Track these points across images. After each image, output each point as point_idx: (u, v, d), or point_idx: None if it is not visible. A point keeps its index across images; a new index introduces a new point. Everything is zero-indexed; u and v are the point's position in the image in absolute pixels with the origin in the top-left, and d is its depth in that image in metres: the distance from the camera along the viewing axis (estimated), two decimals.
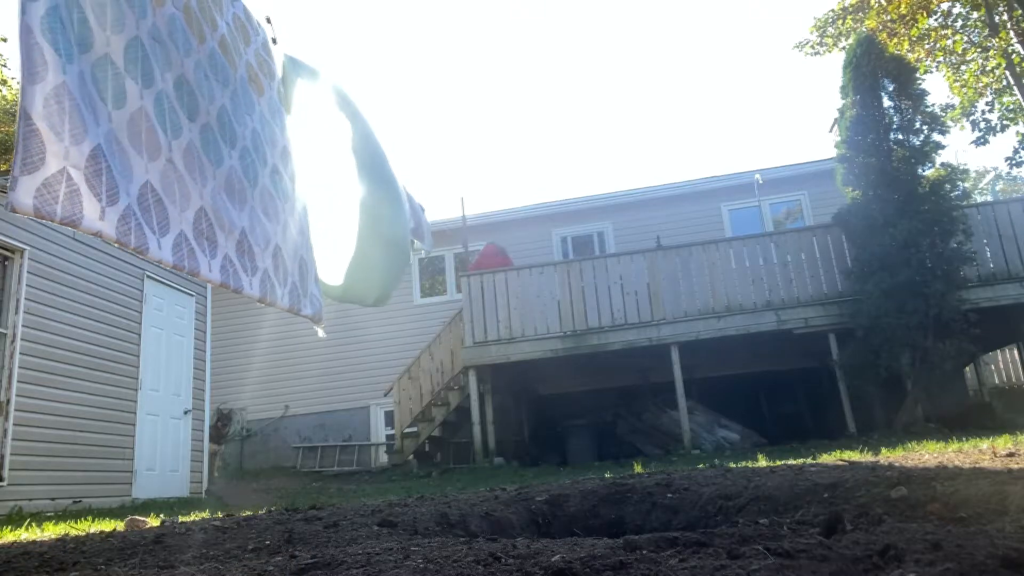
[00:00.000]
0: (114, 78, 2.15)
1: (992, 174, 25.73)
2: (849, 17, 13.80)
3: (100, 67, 2.11)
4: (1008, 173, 23.57)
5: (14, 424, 6.41)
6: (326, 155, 3.67)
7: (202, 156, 2.49)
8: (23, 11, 1.87)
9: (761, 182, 12.61)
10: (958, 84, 13.92)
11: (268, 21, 3.30)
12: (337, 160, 3.70)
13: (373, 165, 3.85)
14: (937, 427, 7.71)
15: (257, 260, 2.69)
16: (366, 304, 3.93)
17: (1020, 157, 14.54)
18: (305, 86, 3.53)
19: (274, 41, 3.34)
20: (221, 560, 2.07)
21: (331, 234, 3.65)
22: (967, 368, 10.29)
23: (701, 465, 5.07)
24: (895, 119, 9.11)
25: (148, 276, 8.48)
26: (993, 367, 13.36)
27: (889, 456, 3.99)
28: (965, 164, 10.02)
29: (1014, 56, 12.39)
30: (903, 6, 12.84)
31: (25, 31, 1.86)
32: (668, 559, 1.51)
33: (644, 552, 1.62)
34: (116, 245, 2.09)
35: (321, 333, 3.16)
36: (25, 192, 1.81)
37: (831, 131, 11.30)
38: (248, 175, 2.76)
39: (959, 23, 13.60)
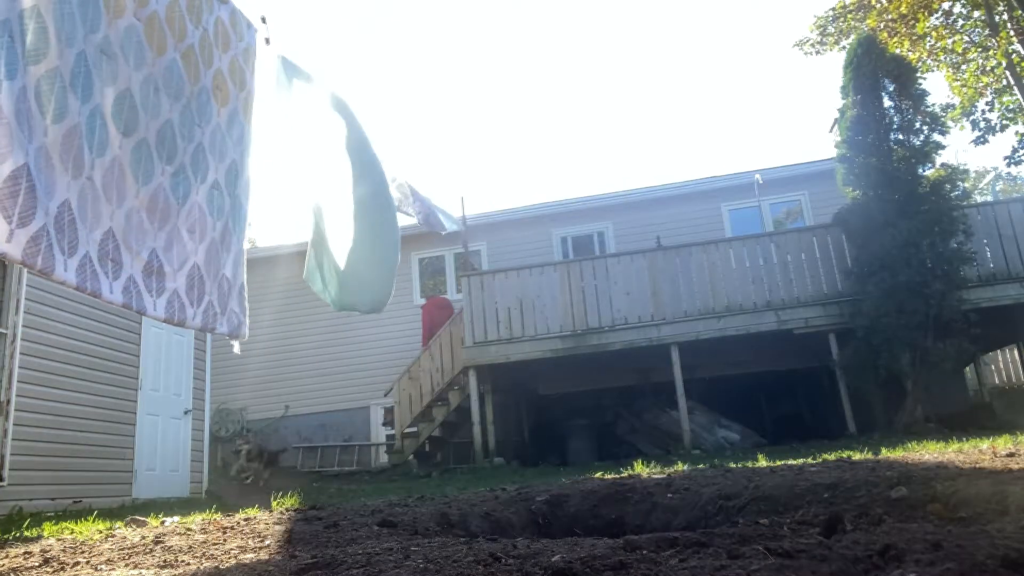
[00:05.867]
0: (59, 91, 2.16)
1: (992, 174, 25.69)
2: (850, 16, 13.79)
3: (48, 79, 2.11)
4: (1008, 173, 23.57)
5: (14, 424, 6.40)
6: (320, 157, 3.67)
7: (126, 174, 2.46)
8: None
9: (761, 182, 12.60)
10: (958, 84, 13.90)
11: (263, 21, 3.30)
12: (332, 162, 3.70)
13: (368, 172, 3.86)
14: (937, 427, 7.71)
15: (167, 281, 2.66)
16: (363, 311, 3.92)
17: (1020, 156, 14.52)
18: (301, 88, 3.54)
19: (267, 42, 3.34)
20: (222, 560, 2.08)
21: (328, 238, 3.65)
22: (967, 368, 10.29)
23: (701, 465, 5.07)
24: (895, 119, 9.11)
25: None
26: (993, 367, 13.36)
27: (889, 456, 3.99)
28: (965, 164, 10.02)
29: (1014, 56, 12.38)
30: (904, 5, 12.83)
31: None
32: (668, 559, 1.52)
33: (644, 552, 1.62)
34: (21, 266, 2.09)
35: (236, 349, 3.15)
36: None
37: (831, 131, 11.29)
38: (177, 193, 2.73)
39: (959, 23, 13.59)
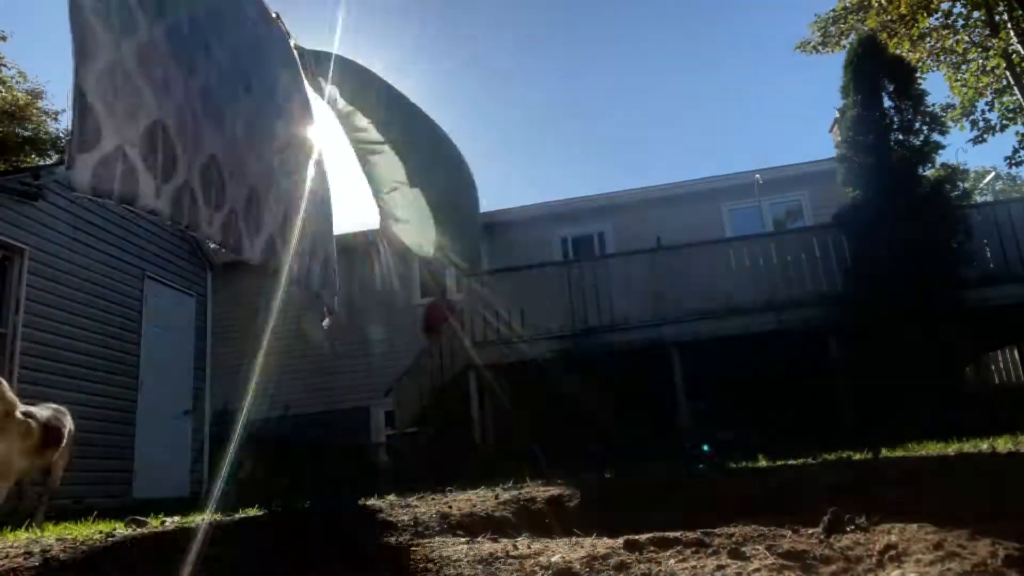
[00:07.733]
0: (192, 44, 2.20)
1: (992, 174, 25.69)
2: (851, 17, 13.78)
3: (176, 31, 2.14)
4: (1008, 173, 23.58)
5: None
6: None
7: (255, 128, 2.62)
8: None
9: (761, 182, 12.60)
10: (958, 84, 13.89)
11: (278, 18, 3.36)
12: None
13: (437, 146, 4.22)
14: (937, 427, 7.70)
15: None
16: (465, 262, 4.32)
17: (1020, 157, 14.51)
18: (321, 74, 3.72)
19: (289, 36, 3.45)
20: (222, 560, 2.08)
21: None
22: (967, 368, 10.28)
23: (701, 466, 5.07)
24: (895, 119, 9.10)
25: (148, 276, 8.48)
26: (993, 367, 13.34)
27: (889, 456, 4.00)
28: (965, 164, 10.03)
29: (1014, 56, 12.37)
30: (903, 6, 12.81)
31: (75, 9, 1.87)
32: (668, 559, 1.52)
33: (645, 552, 1.62)
34: (170, 223, 2.16)
35: (326, 323, 3.37)
36: (83, 170, 1.83)
37: (831, 131, 11.30)
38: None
39: (959, 23, 13.58)
